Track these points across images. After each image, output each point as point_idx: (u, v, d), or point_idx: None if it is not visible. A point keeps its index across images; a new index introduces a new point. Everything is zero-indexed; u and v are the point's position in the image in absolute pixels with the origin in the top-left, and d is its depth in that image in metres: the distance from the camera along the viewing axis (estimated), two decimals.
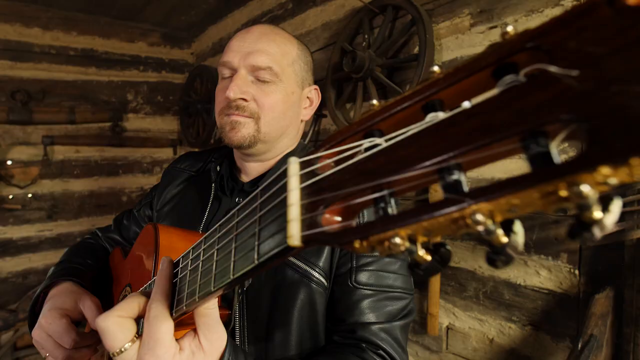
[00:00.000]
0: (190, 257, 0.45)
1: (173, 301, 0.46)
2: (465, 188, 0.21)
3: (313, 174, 0.29)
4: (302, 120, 0.93)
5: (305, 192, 0.29)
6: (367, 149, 0.26)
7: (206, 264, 0.40)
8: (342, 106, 1.93)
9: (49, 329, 0.73)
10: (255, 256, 0.31)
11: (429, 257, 0.22)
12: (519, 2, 1.33)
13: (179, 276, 0.47)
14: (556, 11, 1.23)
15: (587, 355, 1.08)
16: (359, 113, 1.81)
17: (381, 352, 0.70)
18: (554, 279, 1.31)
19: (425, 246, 0.22)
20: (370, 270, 0.74)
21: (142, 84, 3.36)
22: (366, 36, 1.78)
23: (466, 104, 0.21)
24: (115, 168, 3.26)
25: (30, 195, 2.91)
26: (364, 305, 0.72)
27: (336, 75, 1.90)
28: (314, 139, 2.16)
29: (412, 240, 0.22)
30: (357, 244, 0.24)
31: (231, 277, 0.34)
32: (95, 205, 3.18)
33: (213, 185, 0.94)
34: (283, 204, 0.30)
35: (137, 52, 3.32)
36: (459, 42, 1.51)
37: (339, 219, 0.27)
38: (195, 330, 0.47)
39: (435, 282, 1.62)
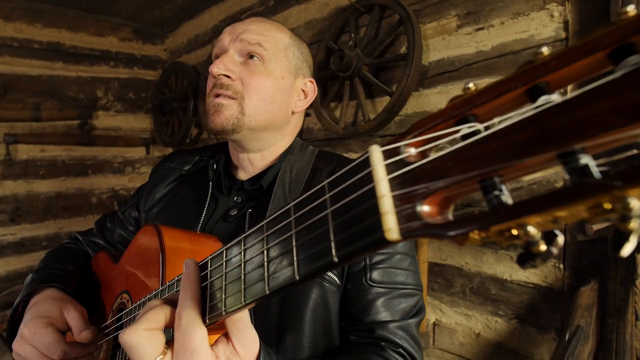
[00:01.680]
0: (226, 259, 0.42)
1: (205, 307, 0.43)
2: (597, 174, 0.20)
3: (402, 162, 0.27)
4: (293, 112, 0.89)
5: (396, 182, 0.27)
6: (465, 136, 0.25)
7: (252, 265, 0.38)
8: (327, 105, 1.93)
9: (33, 339, 0.67)
10: (334, 252, 0.29)
11: (544, 247, 0.22)
12: (505, 4, 1.37)
13: (208, 280, 0.44)
14: (542, 15, 1.28)
15: (574, 346, 1.13)
16: (346, 112, 1.81)
17: (401, 350, 0.69)
18: (539, 274, 1.35)
19: (543, 236, 0.22)
20: (383, 268, 0.73)
21: (112, 80, 3.22)
22: (352, 35, 1.78)
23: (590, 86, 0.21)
24: (84, 168, 3.11)
25: None
26: (379, 304, 0.71)
27: (321, 74, 1.89)
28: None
29: (533, 229, 0.21)
30: (474, 235, 0.23)
31: (296, 277, 0.32)
32: (62, 208, 3.02)
33: (210, 184, 0.90)
34: (369, 196, 0.28)
35: (107, 47, 3.18)
36: (446, 43, 1.54)
37: (438, 210, 0.26)
38: (226, 336, 0.45)
39: (422, 279, 1.64)
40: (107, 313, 0.80)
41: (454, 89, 1.52)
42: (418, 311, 0.75)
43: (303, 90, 0.89)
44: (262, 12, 2.45)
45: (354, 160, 0.92)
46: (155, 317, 0.44)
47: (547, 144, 0.21)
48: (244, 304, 0.38)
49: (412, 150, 0.28)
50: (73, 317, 0.71)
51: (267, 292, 0.35)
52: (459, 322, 1.58)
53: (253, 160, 0.88)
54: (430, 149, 0.27)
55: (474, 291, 1.53)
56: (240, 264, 0.39)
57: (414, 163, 0.27)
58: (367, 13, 1.77)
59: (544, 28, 1.28)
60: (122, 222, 1.05)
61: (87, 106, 3.05)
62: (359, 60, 1.66)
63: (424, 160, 0.26)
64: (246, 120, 0.79)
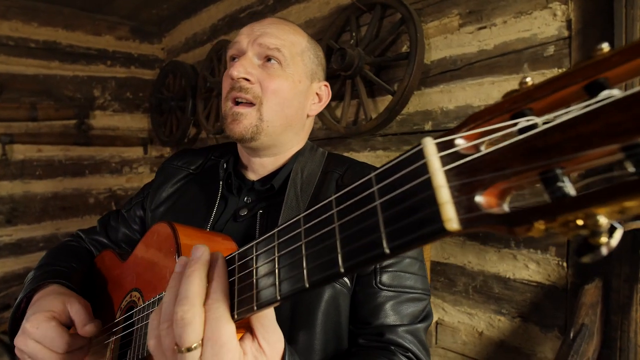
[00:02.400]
0: (256, 253, 0.42)
1: (233, 302, 0.42)
2: None
3: (457, 155, 0.27)
4: (308, 116, 0.90)
5: (452, 173, 0.27)
6: (522, 130, 0.25)
7: (288, 259, 0.37)
8: (328, 104, 1.92)
9: (35, 334, 0.66)
10: (385, 243, 0.29)
11: (605, 239, 0.22)
12: (507, 3, 1.37)
13: (236, 275, 0.43)
14: (545, 13, 1.28)
15: (579, 344, 1.13)
16: (347, 111, 1.81)
17: (410, 354, 0.69)
18: (542, 272, 1.36)
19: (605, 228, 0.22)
20: (392, 271, 0.73)
21: (109, 79, 3.20)
22: (353, 34, 1.77)
23: None
24: (81, 168, 3.08)
25: None
26: (388, 307, 0.71)
27: None
28: None
29: (604, 219, 0.21)
30: (539, 226, 0.23)
31: (341, 269, 0.32)
32: (59, 208, 3.00)
33: (221, 183, 0.89)
34: (424, 188, 0.28)
35: (104, 45, 3.16)
36: (448, 41, 1.53)
37: (496, 201, 0.26)
38: (252, 333, 0.44)
39: None
40: (114, 311, 0.79)
41: (456, 88, 1.52)
42: (426, 316, 0.75)
43: (318, 94, 0.90)
44: (261, 11, 2.44)
45: (363, 163, 0.90)
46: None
47: (612, 137, 0.21)
48: (278, 298, 0.37)
49: (466, 143, 0.28)
50: (76, 311, 0.71)
51: (307, 285, 0.35)
52: (462, 320, 1.58)
53: (265, 164, 0.88)
54: (483, 142, 0.28)
55: (476, 290, 1.54)
56: (274, 258, 0.39)
57: (471, 155, 0.27)
58: (368, 12, 1.76)
59: (546, 27, 1.28)
60: (127, 221, 1.04)
61: (84, 106, 3.03)
62: (360, 59, 1.65)
63: (483, 152, 0.26)
64: (264, 127, 0.79)
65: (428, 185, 0.28)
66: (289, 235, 0.38)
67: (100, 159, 3.17)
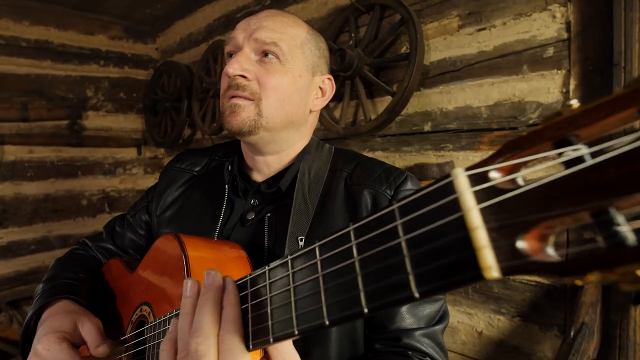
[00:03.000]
0: (269, 280, 0.39)
1: (247, 332, 0.41)
2: None
3: (494, 190, 0.24)
4: (311, 111, 0.87)
5: (490, 212, 0.24)
6: (569, 162, 0.22)
7: (305, 291, 0.35)
8: (326, 105, 1.92)
9: (47, 356, 0.65)
10: (413, 286, 0.27)
11: None
12: (507, 5, 1.38)
13: (249, 302, 0.41)
14: (544, 15, 1.29)
15: (580, 343, 1.14)
16: (346, 112, 1.81)
17: (428, 358, 0.69)
18: None
19: None
20: None
21: (102, 79, 3.16)
22: (352, 35, 1.77)
23: None
24: (73, 170, 3.04)
25: None
26: (404, 310, 0.70)
27: None
28: None
29: None
30: (592, 277, 0.21)
31: (365, 309, 0.30)
32: (51, 210, 2.95)
33: (227, 186, 0.88)
34: (456, 227, 0.25)
35: (97, 45, 3.12)
36: (447, 43, 1.54)
37: (539, 244, 0.23)
38: (267, 358, 0.43)
39: None
40: (124, 325, 0.78)
41: (456, 89, 1.53)
42: (442, 317, 0.74)
43: (321, 88, 0.86)
44: (258, 11, 2.42)
45: (372, 159, 0.88)
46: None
47: None
48: (296, 332, 0.35)
49: (502, 176, 0.25)
50: (88, 331, 0.69)
51: (327, 322, 0.32)
52: (461, 320, 1.59)
53: (270, 163, 0.86)
54: (521, 175, 0.25)
55: (476, 290, 1.54)
56: (289, 288, 0.37)
57: (509, 191, 0.24)
58: (367, 12, 1.77)
59: (546, 29, 1.29)
60: (133, 226, 1.02)
61: (76, 106, 2.99)
62: (360, 59, 1.65)
63: (525, 188, 0.24)
64: (263, 122, 0.77)
65: (461, 225, 0.25)
66: (305, 265, 0.36)
67: (93, 160, 3.13)
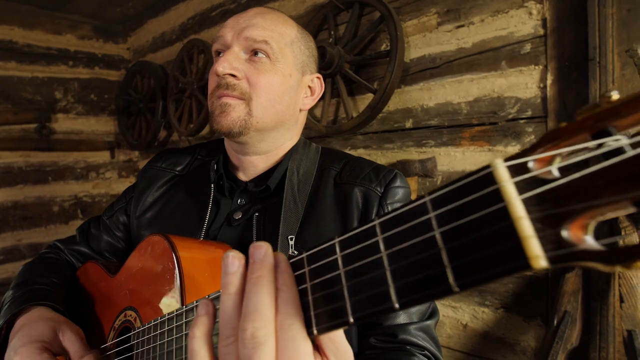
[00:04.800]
0: (341, 252, 0.34)
1: (308, 316, 0.35)
2: None
3: (535, 180, 0.25)
4: (300, 110, 0.86)
5: (532, 202, 0.24)
6: (609, 153, 0.23)
7: (375, 269, 0.32)
8: None
9: None
10: (452, 280, 0.26)
11: None
12: (484, 2, 1.40)
13: (309, 282, 0.36)
14: (521, 12, 1.32)
15: (563, 330, 1.17)
16: (327, 110, 1.80)
17: (426, 352, 0.69)
18: None
19: None
20: None
21: (72, 80, 3.04)
22: (332, 32, 1.77)
23: None
24: (43, 175, 2.91)
25: None
26: None
27: None
28: None
29: None
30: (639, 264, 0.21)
31: (396, 305, 0.29)
32: (20, 218, 2.82)
33: (212, 186, 0.85)
34: (499, 218, 0.25)
35: (65, 45, 3.00)
36: (427, 40, 1.56)
37: (583, 233, 0.24)
38: (319, 350, 0.38)
39: None
40: (105, 331, 0.74)
41: (436, 86, 1.54)
42: (433, 312, 0.75)
43: (310, 87, 0.86)
44: (233, 10, 2.39)
45: (359, 158, 0.88)
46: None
47: None
48: (397, 306, 0.31)
49: (540, 167, 0.25)
50: (69, 340, 0.65)
51: (397, 305, 0.30)
52: (446, 314, 1.61)
53: (256, 162, 0.84)
54: (560, 166, 0.26)
55: None
56: (359, 264, 0.33)
57: (552, 181, 0.24)
58: (346, 10, 1.76)
59: (522, 25, 1.32)
60: (109, 228, 0.98)
61: (44, 109, 2.86)
62: (340, 57, 1.65)
63: (568, 178, 0.24)
64: (254, 122, 0.75)
65: (504, 216, 0.25)
66: (363, 245, 0.33)
67: (64, 164, 3.01)
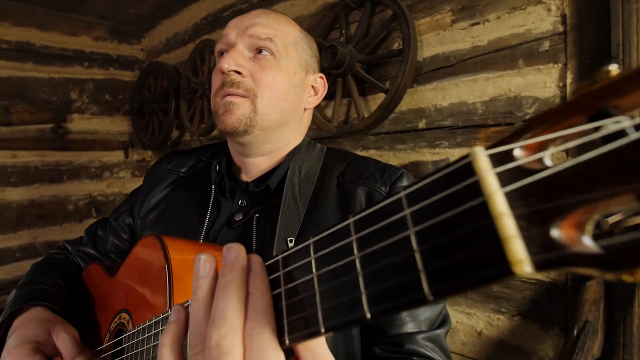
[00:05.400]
0: (315, 255, 0.31)
1: (281, 324, 0.32)
2: None
3: (520, 170, 0.21)
4: (305, 109, 0.86)
5: (516, 196, 0.21)
6: (609, 137, 0.19)
7: (348, 273, 0.28)
8: (318, 104, 1.88)
9: None
10: (426, 288, 0.23)
11: None
12: None
13: (283, 287, 0.33)
14: (539, 8, 1.27)
15: (583, 341, 1.12)
16: (338, 110, 1.77)
17: None
18: None
19: None
20: None
21: (87, 81, 3.08)
22: (343, 31, 1.74)
23: None
24: (58, 174, 2.96)
25: None
26: (404, 314, 0.67)
27: None
28: None
29: None
30: None
31: (367, 314, 0.26)
32: (36, 216, 2.87)
33: (213, 187, 0.84)
34: (477, 215, 0.21)
35: (80, 46, 3.04)
36: (440, 38, 1.51)
37: (577, 233, 0.20)
38: None
39: None
40: (102, 333, 0.73)
41: (450, 85, 1.50)
42: (443, 320, 0.71)
43: (313, 87, 0.85)
44: (245, 10, 2.38)
45: (365, 157, 0.85)
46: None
47: None
48: (346, 318, 0.28)
49: (527, 155, 0.22)
50: (63, 341, 0.64)
51: (368, 315, 0.26)
52: (460, 320, 1.56)
53: (259, 163, 0.83)
54: (551, 153, 0.22)
55: None
56: (334, 267, 0.30)
57: (539, 171, 0.21)
58: (357, 9, 1.73)
59: (541, 22, 1.27)
60: (115, 230, 0.98)
61: (60, 109, 2.90)
62: (351, 56, 1.62)
63: (558, 168, 0.20)
64: (259, 120, 0.74)
65: (483, 213, 0.21)
66: (325, 252, 0.31)
67: (79, 164, 3.05)
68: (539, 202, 0.20)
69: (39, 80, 2.85)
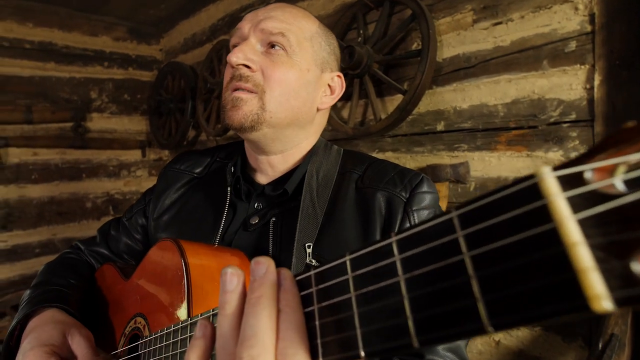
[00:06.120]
0: (352, 273, 0.29)
1: (315, 344, 0.30)
2: None
3: (594, 195, 0.19)
4: (318, 109, 0.81)
5: (591, 224, 0.19)
6: None
7: (391, 295, 0.26)
8: (334, 104, 1.86)
9: None
10: (486, 318, 0.21)
11: None
12: None
13: (316, 305, 0.31)
14: (565, 7, 1.22)
15: (609, 355, 1.07)
16: (355, 111, 1.75)
17: None
18: None
19: None
20: None
21: (106, 81, 3.13)
22: (361, 31, 1.71)
23: None
24: (77, 172, 3.01)
25: None
26: None
27: None
28: None
29: None
30: None
31: (414, 342, 0.23)
32: (56, 213, 2.92)
33: (229, 189, 0.82)
34: (547, 242, 0.19)
35: (100, 46, 3.09)
36: (461, 38, 1.47)
37: None
38: None
39: None
40: (117, 337, 0.72)
41: (470, 86, 1.46)
42: None
43: (330, 86, 0.81)
44: None
45: (383, 160, 0.82)
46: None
47: None
48: (391, 344, 0.26)
49: (599, 179, 0.19)
50: (78, 344, 0.63)
51: (417, 344, 0.24)
52: None
53: (273, 163, 0.80)
54: (625, 177, 0.19)
55: None
56: (372, 289, 0.28)
57: (618, 197, 0.18)
58: (376, 9, 1.70)
59: (567, 21, 1.22)
60: (128, 230, 0.97)
61: (80, 108, 2.96)
62: (369, 57, 1.59)
63: None
64: (267, 117, 0.71)
65: (553, 240, 0.19)
66: (365, 271, 0.29)
67: (98, 162, 3.10)
68: (618, 231, 0.18)
69: (60, 80, 2.90)
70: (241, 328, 0.31)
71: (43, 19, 2.81)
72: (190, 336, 0.46)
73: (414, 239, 0.25)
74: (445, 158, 1.54)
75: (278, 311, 0.31)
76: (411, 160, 1.65)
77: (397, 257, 0.26)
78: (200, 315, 0.44)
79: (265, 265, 0.32)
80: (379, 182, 0.74)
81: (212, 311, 0.39)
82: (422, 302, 0.24)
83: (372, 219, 0.71)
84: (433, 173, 1.52)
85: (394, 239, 0.27)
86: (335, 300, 0.29)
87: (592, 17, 1.18)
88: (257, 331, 0.30)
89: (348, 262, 0.29)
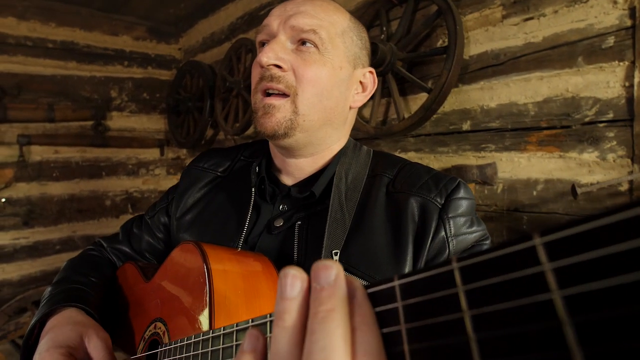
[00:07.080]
0: (402, 302, 0.24)
1: None
2: None
3: None
4: (350, 108, 0.78)
5: None
6: None
7: (452, 333, 0.22)
8: None
9: None
10: None
11: None
12: None
13: (403, 324, 0.24)
14: (603, 1, 1.16)
15: None
16: (377, 110, 1.71)
17: None
18: None
19: None
20: None
21: (126, 80, 3.15)
22: (384, 28, 1.67)
23: None
24: (97, 170, 3.04)
25: (4, 200, 2.67)
26: None
27: None
28: None
29: None
30: None
31: None
32: (76, 210, 2.96)
33: (253, 190, 0.80)
34: None
35: (121, 46, 3.11)
36: (489, 34, 1.43)
37: None
38: None
39: None
40: (136, 340, 0.70)
41: (499, 84, 1.41)
42: None
43: (361, 82, 0.77)
44: None
45: (416, 163, 0.77)
46: None
47: None
48: None
49: None
50: (95, 346, 0.62)
51: None
52: None
53: (302, 166, 0.77)
54: None
55: None
56: (428, 323, 0.24)
57: None
58: (399, 5, 1.66)
59: (605, 16, 1.16)
60: (150, 228, 0.95)
61: (101, 106, 2.98)
62: (393, 54, 1.55)
63: None
64: (300, 121, 0.68)
65: None
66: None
67: (117, 160, 3.12)
68: None
69: (81, 79, 2.93)
70: (306, 348, 0.25)
71: (65, 18, 2.85)
72: (212, 351, 0.43)
73: (484, 267, 0.21)
74: (471, 159, 1.49)
75: (352, 329, 0.25)
76: (435, 161, 1.61)
77: (460, 288, 0.22)
78: (223, 329, 0.41)
79: (334, 270, 0.26)
80: (412, 187, 0.70)
81: (252, 321, 0.36)
82: (495, 347, 0.20)
83: (403, 226, 0.67)
84: (458, 174, 1.47)
85: (455, 265, 0.22)
86: (383, 331, 0.24)
87: (632, 11, 1.12)
88: (330, 354, 0.24)
89: (397, 288, 0.25)
